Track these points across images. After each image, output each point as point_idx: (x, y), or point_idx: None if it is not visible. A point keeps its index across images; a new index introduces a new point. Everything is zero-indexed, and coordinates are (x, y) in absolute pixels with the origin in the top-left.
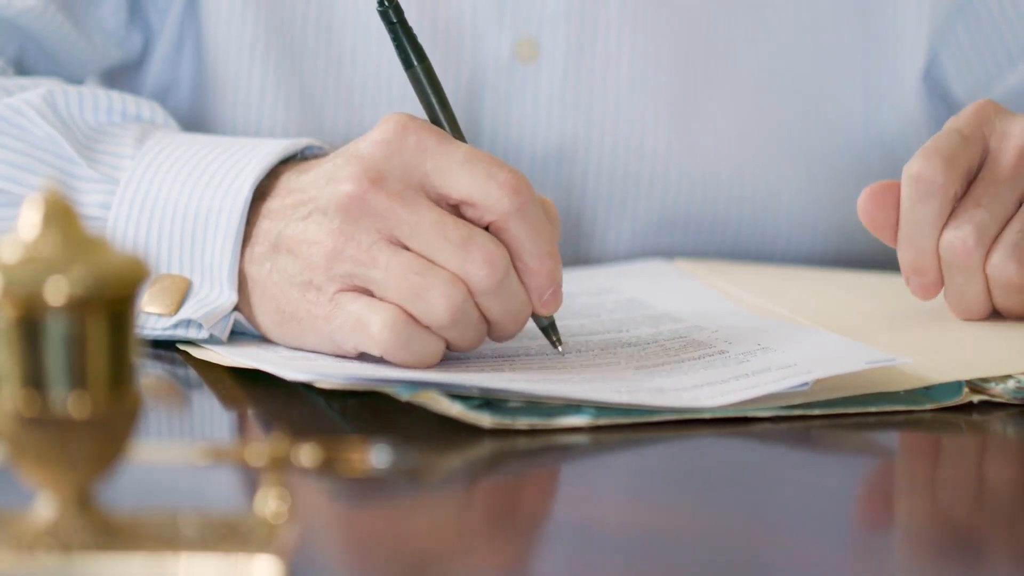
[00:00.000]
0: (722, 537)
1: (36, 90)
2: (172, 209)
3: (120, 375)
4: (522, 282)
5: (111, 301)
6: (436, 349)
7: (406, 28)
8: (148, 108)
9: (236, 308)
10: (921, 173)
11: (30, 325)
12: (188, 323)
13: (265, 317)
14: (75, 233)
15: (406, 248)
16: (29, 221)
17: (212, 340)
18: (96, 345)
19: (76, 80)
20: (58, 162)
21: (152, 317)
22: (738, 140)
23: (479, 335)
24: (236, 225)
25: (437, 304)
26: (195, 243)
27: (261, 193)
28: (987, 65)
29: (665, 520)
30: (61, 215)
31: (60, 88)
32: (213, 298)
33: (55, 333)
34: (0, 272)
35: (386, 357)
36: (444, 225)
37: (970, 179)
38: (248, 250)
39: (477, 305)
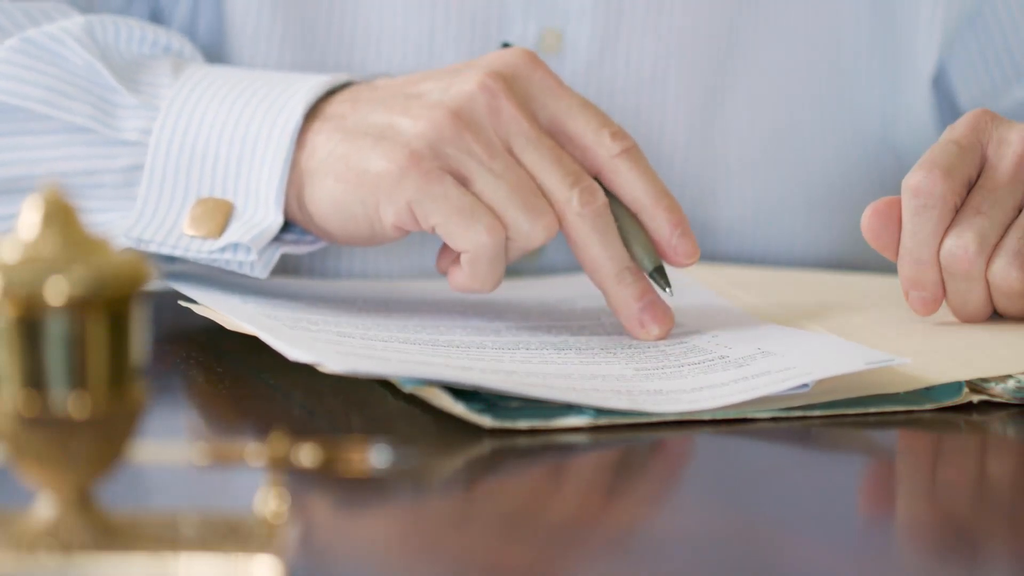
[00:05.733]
0: (722, 537)
1: (75, 19)
2: (217, 134)
3: (120, 375)
4: (646, 229)
5: (111, 301)
6: (499, 281)
7: None
8: (178, 40)
9: (285, 222)
10: (920, 185)
11: (30, 325)
12: (236, 247)
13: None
14: (75, 233)
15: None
16: (29, 221)
17: (253, 271)
18: (96, 345)
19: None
20: (98, 89)
21: (196, 240)
22: (754, 143)
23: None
24: (287, 146)
25: (538, 233)
26: (240, 166)
27: (309, 119)
28: (994, 78)
29: (665, 520)
30: (61, 215)
31: (97, 18)
32: (259, 219)
33: (55, 333)
34: (0, 272)
35: (463, 264)
36: (560, 152)
37: (969, 189)
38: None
39: (570, 230)
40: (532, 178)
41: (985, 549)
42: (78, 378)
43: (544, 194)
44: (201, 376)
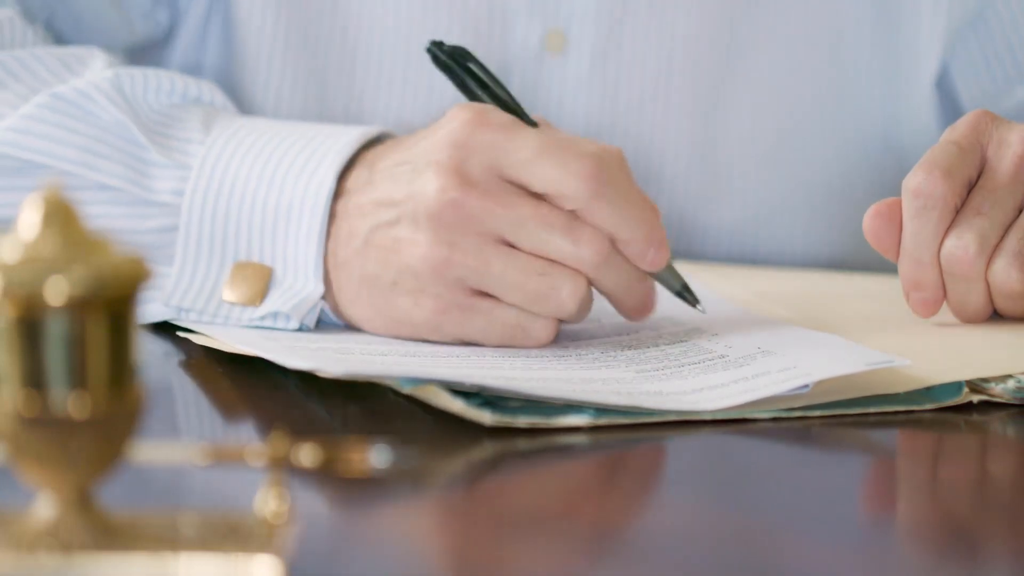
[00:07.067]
0: (722, 537)
1: (103, 73)
2: (251, 198)
3: (120, 375)
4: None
5: (111, 301)
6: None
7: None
8: (208, 90)
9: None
10: (920, 186)
11: (30, 325)
12: (276, 315)
13: (363, 323)
14: (75, 233)
15: (511, 245)
16: (29, 221)
17: (300, 328)
18: (96, 345)
19: None
20: (128, 147)
21: (236, 308)
22: (756, 144)
23: (589, 310)
24: (320, 218)
25: (568, 302)
26: (276, 235)
27: (340, 181)
28: (996, 79)
29: (665, 520)
30: (61, 215)
31: (125, 71)
32: (299, 287)
33: (55, 333)
34: (0, 272)
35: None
36: (544, 214)
37: (969, 190)
38: (332, 253)
39: (592, 283)
40: (535, 255)
41: (985, 549)
42: (78, 378)
43: (557, 261)
44: (201, 376)
